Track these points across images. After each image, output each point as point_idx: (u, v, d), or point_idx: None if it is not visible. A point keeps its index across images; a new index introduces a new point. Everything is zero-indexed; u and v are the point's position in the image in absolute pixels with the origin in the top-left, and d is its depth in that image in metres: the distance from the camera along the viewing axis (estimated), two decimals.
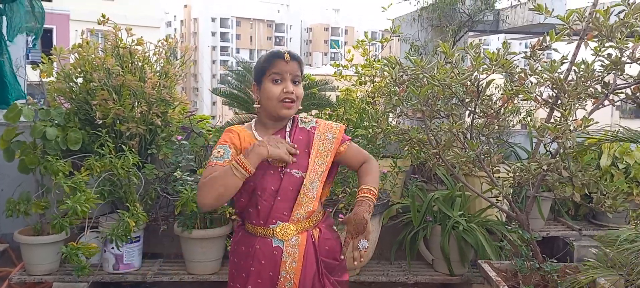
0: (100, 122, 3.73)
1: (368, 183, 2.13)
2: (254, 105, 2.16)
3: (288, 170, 2.08)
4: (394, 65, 3.04)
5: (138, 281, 3.80)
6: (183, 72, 4.26)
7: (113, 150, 3.71)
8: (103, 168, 3.63)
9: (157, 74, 4.06)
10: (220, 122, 4.60)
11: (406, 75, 3.05)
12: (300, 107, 2.20)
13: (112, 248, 3.66)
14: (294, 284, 2.08)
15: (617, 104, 3.02)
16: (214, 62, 68.78)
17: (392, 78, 3.00)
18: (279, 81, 2.07)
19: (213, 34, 70.63)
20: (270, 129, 2.15)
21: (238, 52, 69.37)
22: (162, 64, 4.16)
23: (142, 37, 4.16)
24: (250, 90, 3.89)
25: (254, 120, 2.21)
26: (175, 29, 70.61)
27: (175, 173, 3.70)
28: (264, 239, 2.10)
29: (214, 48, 69.90)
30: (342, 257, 2.15)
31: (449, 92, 2.88)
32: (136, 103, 3.86)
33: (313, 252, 2.11)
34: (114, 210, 3.91)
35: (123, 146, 3.76)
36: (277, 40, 76.21)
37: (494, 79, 2.82)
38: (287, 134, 2.15)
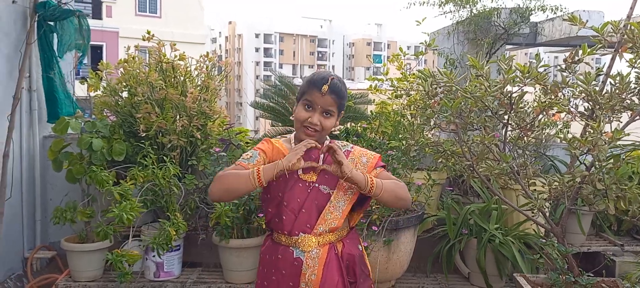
0: (144, 134, 3.88)
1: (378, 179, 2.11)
2: (291, 117, 2.23)
3: (316, 185, 2.12)
4: (426, 78, 3.07)
5: None
6: (223, 86, 4.39)
7: (155, 161, 3.86)
8: (146, 178, 3.77)
9: (198, 88, 4.20)
10: (258, 135, 4.71)
11: (439, 87, 3.08)
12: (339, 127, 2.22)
13: (153, 256, 3.79)
14: None
15: None
16: (257, 77, 69.78)
17: (425, 90, 3.03)
18: (310, 108, 2.09)
19: (257, 49, 71.77)
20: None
21: (281, 67, 70.17)
22: (203, 79, 4.30)
23: (184, 52, 4.32)
24: (288, 103, 4.01)
25: (294, 134, 2.25)
26: (219, 45, 72.13)
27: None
28: (286, 249, 2.13)
29: (257, 63, 70.96)
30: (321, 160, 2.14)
31: (482, 105, 2.89)
32: (177, 116, 4.00)
33: (336, 264, 2.12)
34: (155, 220, 4.05)
35: (164, 157, 3.91)
36: (320, 55, 76.75)
37: (526, 92, 2.82)
38: (321, 156, 2.16)
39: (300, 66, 72.67)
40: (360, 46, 78.71)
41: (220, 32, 73.94)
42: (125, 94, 4.19)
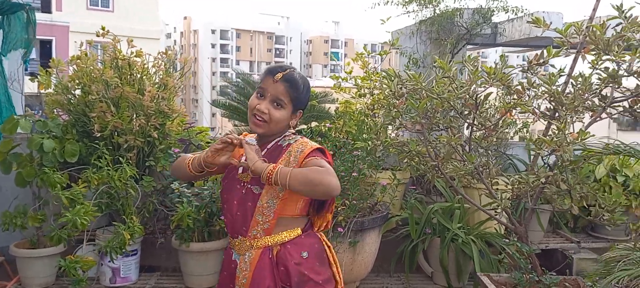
0: (98, 134, 3.72)
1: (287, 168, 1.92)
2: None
3: (249, 186, 2.03)
4: (392, 78, 3.04)
5: None
6: (182, 84, 4.26)
7: (110, 163, 3.71)
8: (100, 180, 3.62)
9: (156, 86, 4.06)
10: (220, 134, 4.59)
11: (405, 88, 3.05)
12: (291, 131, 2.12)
13: (109, 261, 3.64)
14: None
15: (615, 116, 3.02)
16: (213, 73, 68.90)
17: (391, 91, 3.00)
18: (261, 96, 2.01)
19: (213, 45, 70.81)
20: (261, 143, 2.05)
21: (238, 64, 69.45)
22: (161, 76, 4.16)
23: (141, 49, 4.16)
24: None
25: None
26: (175, 41, 70.85)
27: (172, 185, 3.69)
28: (229, 250, 2.14)
29: (213, 60, 70.04)
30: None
31: (448, 105, 2.87)
32: (134, 115, 3.86)
33: (269, 269, 2.00)
34: (111, 223, 3.89)
35: (120, 158, 3.75)
36: (277, 52, 76.39)
37: (491, 92, 2.82)
38: (266, 150, 2.05)
39: (257, 63, 72.11)
40: (318, 44, 78.76)
41: (175, 28, 72.61)
42: (78, 92, 4.01)
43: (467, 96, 2.75)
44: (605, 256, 2.39)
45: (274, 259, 2.03)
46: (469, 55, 2.81)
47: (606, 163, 4.33)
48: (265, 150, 2.06)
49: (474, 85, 2.73)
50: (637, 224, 3.08)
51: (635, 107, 2.83)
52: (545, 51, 2.67)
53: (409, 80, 3.03)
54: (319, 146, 2.04)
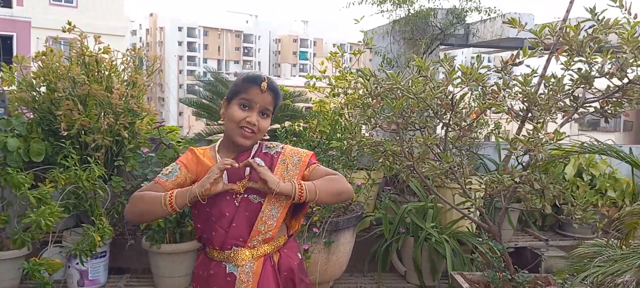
0: (65, 133, 3.60)
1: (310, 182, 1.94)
2: (219, 121, 2.06)
3: (245, 196, 1.95)
4: (368, 77, 3.03)
5: None
6: (151, 81, 4.17)
7: (78, 162, 3.59)
8: (68, 180, 3.50)
9: (125, 84, 3.95)
10: (189, 133, 4.50)
11: (380, 87, 3.04)
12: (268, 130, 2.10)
13: (77, 263, 3.53)
14: None
15: (583, 117, 3.08)
16: (180, 72, 68.03)
17: (367, 90, 2.99)
18: (247, 107, 1.93)
19: (180, 43, 69.88)
20: (233, 152, 1.99)
21: (206, 62, 68.72)
22: (129, 74, 4.06)
23: (109, 45, 4.05)
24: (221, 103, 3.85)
25: (219, 140, 2.06)
26: (140, 38, 69.63)
27: (143, 185, 3.59)
28: (219, 264, 1.98)
29: (180, 57, 69.14)
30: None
31: (424, 105, 2.88)
32: (102, 113, 3.75)
33: (273, 277, 1.99)
34: (79, 224, 3.78)
35: (88, 158, 3.65)
36: (246, 50, 75.89)
37: (467, 93, 2.84)
38: (247, 169, 1.96)
39: (225, 61, 71.49)
40: (287, 43, 78.55)
41: (140, 25, 71.37)
42: (43, 89, 3.87)
43: (444, 96, 2.76)
44: (577, 252, 2.42)
45: (276, 266, 2.00)
46: (446, 55, 2.81)
47: (574, 163, 4.42)
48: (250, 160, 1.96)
49: (450, 85, 2.74)
50: (603, 221, 3.14)
51: (606, 107, 2.89)
52: (521, 51, 2.70)
53: (385, 79, 3.03)
54: (311, 152, 2.06)
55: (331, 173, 2.00)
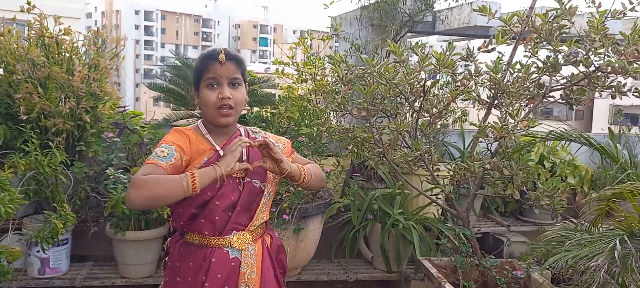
0: (24, 117, 3.46)
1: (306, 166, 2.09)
2: (196, 112, 2.04)
3: (248, 180, 1.95)
4: (339, 63, 3.02)
5: (66, 286, 3.57)
6: (115, 64, 4.05)
7: (38, 147, 3.46)
8: (28, 166, 3.37)
9: (87, 66, 3.82)
10: (154, 120, 4.39)
11: (351, 73, 3.03)
12: (247, 108, 2.13)
13: (37, 251, 3.41)
14: None
15: (550, 104, 3.15)
16: (137, 56, 66.53)
17: (338, 76, 2.98)
18: (215, 85, 1.88)
19: (136, 27, 68.30)
20: (220, 135, 1.96)
21: (163, 47, 67.46)
22: (91, 56, 3.93)
23: (69, 26, 3.91)
24: (191, 89, 3.77)
25: (200, 121, 2.01)
26: (95, 21, 67.67)
27: (107, 171, 3.50)
28: (220, 250, 1.92)
29: (137, 42, 67.58)
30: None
31: (396, 92, 2.89)
32: (63, 97, 3.62)
33: (268, 258, 2.03)
34: (39, 211, 3.65)
35: (49, 143, 3.52)
36: (204, 35, 74.76)
37: (439, 80, 2.86)
38: (243, 150, 1.94)
39: (183, 46, 70.24)
40: (247, 28, 77.74)
41: (95, 7, 69.34)
42: (0, 72, 3.70)
43: (416, 82, 2.77)
44: (545, 236, 2.48)
45: (269, 247, 2.05)
46: (417, 42, 2.82)
47: (537, 150, 4.54)
48: (248, 149, 1.98)
49: (422, 72, 2.76)
50: (563, 204, 3.21)
51: (570, 94, 2.96)
52: (494, 38, 2.73)
53: (356, 65, 3.02)
54: (288, 140, 2.18)
55: (310, 162, 2.18)
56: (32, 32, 3.77)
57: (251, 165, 1.91)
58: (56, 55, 3.76)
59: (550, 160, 4.61)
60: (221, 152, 1.90)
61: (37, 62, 3.58)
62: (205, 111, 1.93)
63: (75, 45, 3.89)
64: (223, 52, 1.90)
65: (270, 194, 2.04)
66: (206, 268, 1.91)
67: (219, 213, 1.91)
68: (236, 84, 1.92)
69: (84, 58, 3.93)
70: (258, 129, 2.13)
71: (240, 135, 2.00)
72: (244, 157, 1.95)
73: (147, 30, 70.10)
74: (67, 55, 3.82)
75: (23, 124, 3.49)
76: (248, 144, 1.86)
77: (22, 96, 3.48)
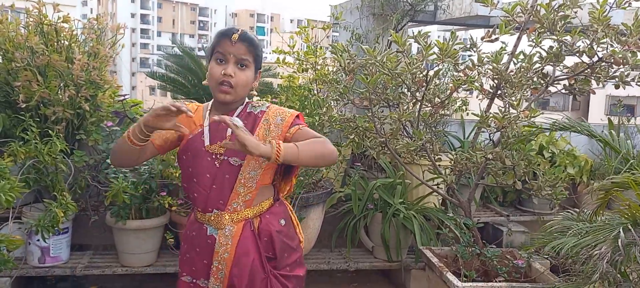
0: (24, 105, 3.44)
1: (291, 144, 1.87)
2: (204, 82, 2.04)
3: (225, 158, 1.95)
4: (341, 53, 3.00)
5: (66, 274, 3.57)
6: (115, 53, 4.02)
7: (38, 135, 3.45)
8: (27, 154, 3.36)
9: (86, 55, 3.80)
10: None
11: (353, 63, 3.03)
12: (254, 93, 2.11)
13: (38, 240, 3.40)
14: (226, 275, 1.99)
15: (554, 94, 3.16)
16: (133, 45, 66.20)
17: (340, 65, 2.97)
18: (222, 61, 1.92)
19: (132, 15, 67.90)
20: (220, 110, 1.98)
21: (159, 36, 67.19)
22: (91, 44, 3.90)
23: (68, 14, 3.88)
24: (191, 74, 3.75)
25: (211, 101, 2.06)
26: (91, 9, 67.25)
27: (107, 160, 3.49)
28: (201, 226, 2.04)
29: (133, 30, 67.22)
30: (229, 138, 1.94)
31: (398, 81, 2.88)
32: (63, 85, 3.60)
33: (252, 241, 2.00)
34: (39, 200, 3.64)
35: (49, 131, 3.50)
36: (201, 24, 74.43)
37: (441, 69, 2.85)
38: (234, 117, 1.94)
39: (180, 35, 69.93)
40: (244, 17, 77.35)
41: None
42: None
43: (419, 72, 2.77)
44: (548, 225, 2.49)
45: (255, 231, 2.01)
46: (419, 32, 2.81)
47: (536, 140, 4.54)
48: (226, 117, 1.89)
49: (425, 61, 2.75)
50: (560, 193, 3.20)
51: (574, 84, 2.96)
52: (497, 28, 2.73)
53: (358, 55, 3.02)
54: (297, 112, 2.03)
55: (313, 136, 1.95)
56: (31, 19, 3.74)
57: (220, 145, 1.94)
58: (55, 43, 3.73)
59: (549, 150, 4.61)
60: (206, 129, 1.97)
61: (36, 49, 3.55)
62: (209, 84, 1.98)
63: (74, 33, 3.87)
64: (237, 33, 1.93)
65: (255, 172, 1.96)
66: (191, 240, 2.08)
67: (199, 190, 1.99)
68: (243, 65, 1.94)
69: (83, 46, 3.91)
70: (261, 102, 2.08)
71: (234, 113, 1.99)
72: (228, 132, 1.94)
73: (143, 18, 69.72)
74: (67, 43, 3.79)
75: (22, 112, 3.47)
76: (178, 107, 1.76)
77: (21, 84, 3.46)
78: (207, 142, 1.97)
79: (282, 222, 2.10)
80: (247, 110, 2.02)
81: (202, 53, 4.26)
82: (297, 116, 2.03)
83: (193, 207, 2.11)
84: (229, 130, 1.92)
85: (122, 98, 3.99)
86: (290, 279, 2.08)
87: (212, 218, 2.00)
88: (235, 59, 1.92)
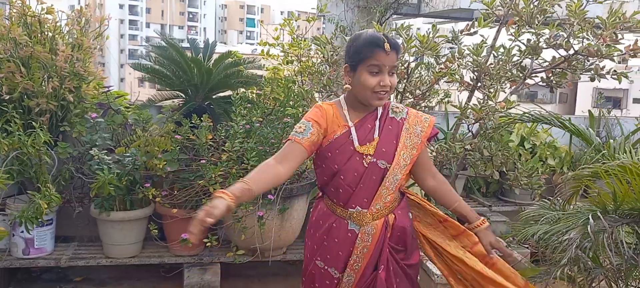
0: (7, 96, 3.45)
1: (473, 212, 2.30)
2: (344, 87, 2.11)
3: (374, 160, 2.06)
4: (325, 45, 3.03)
5: (51, 266, 3.59)
6: (99, 44, 4.02)
7: (21, 127, 3.45)
8: (11, 146, 3.36)
9: (70, 46, 3.80)
10: (139, 100, 4.37)
11: (336, 55, 3.06)
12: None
13: (22, 231, 3.41)
14: (361, 268, 2.12)
15: (531, 86, 3.21)
16: (121, 36, 65.67)
17: (324, 57, 3.00)
18: (377, 73, 2.01)
19: (121, 6, 67.31)
20: (361, 111, 2.11)
21: (148, 27, 66.64)
22: (75, 36, 3.90)
23: (52, 5, 3.87)
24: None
25: (343, 96, 2.15)
26: (78, 0, 66.61)
27: (91, 152, 3.50)
28: (341, 220, 2.11)
29: (121, 21, 66.67)
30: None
31: None
32: (47, 77, 3.60)
33: (385, 238, 2.13)
34: (23, 191, 3.65)
35: (33, 123, 3.50)
36: (191, 16, 73.95)
37: (422, 62, 2.89)
38: (377, 121, 2.11)
39: (169, 26, 69.46)
40: (233, 9, 76.98)
41: None
42: None
43: (400, 64, 2.80)
44: (524, 214, 2.56)
45: (391, 226, 2.13)
46: (402, 24, 2.85)
47: (517, 132, 4.60)
48: (382, 127, 2.09)
49: (406, 54, 2.79)
50: (540, 184, 3.28)
51: (551, 77, 3.01)
52: (476, 21, 2.77)
53: (341, 47, 3.04)
54: (433, 121, 2.17)
55: (435, 172, 2.31)
56: (14, 10, 3.74)
57: (365, 147, 2.06)
58: (39, 35, 3.73)
59: (530, 142, 4.67)
60: (353, 129, 2.06)
61: (19, 41, 3.55)
62: (359, 92, 2.05)
63: (58, 24, 3.86)
64: (388, 42, 1.99)
65: (397, 178, 2.08)
66: (328, 230, 2.13)
67: (343, 186, 2.07)
68: (393, 72, 2.05)
69: (67, 38, 3.91)
70: (400, 107, 2.20)
71: (376, 114, 2.10)
72: (375, 135, 2.06)
73: (132, 9, 69.15)
74: (50, 34, 3.79)
75: (5, 104, 3.47)
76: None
77: (4, 75, 3.46)
78: (356, 143, 2.06)
79: (410, 215, 2.25)
80: (389, 115, 2.14)
81: (187, 44, 4.26)
82: (433, 128, 2.19)
83: (327, 198, 2.18)
84: (376, 132, 2.06)
85: (107, 90, 4.00)
86: (413, 267, 2.25)
87: (354, 214, 2.09)
88: (389, 68, 2.02)
